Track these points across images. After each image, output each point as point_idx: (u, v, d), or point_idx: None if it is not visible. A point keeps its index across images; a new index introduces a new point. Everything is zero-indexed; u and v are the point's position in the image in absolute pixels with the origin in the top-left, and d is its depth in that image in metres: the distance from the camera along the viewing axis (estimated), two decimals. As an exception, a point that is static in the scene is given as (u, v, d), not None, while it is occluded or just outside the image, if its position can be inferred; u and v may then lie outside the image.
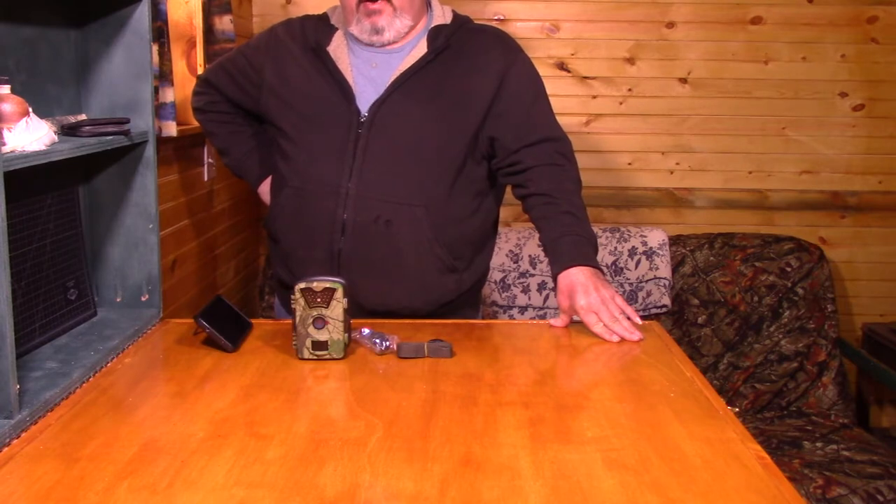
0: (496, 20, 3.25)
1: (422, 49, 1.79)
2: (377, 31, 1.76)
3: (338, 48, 1.81)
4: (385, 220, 1.73)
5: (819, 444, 2.67)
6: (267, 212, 1.94)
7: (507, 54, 1.82)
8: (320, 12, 1.92)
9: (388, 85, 1.76)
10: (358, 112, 1.76)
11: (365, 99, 1.77)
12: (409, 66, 1.77)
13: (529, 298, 3.11)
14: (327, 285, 1.48)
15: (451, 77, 1.78)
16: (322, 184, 1.76)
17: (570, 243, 1.72)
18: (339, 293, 1.48)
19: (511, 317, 3.10)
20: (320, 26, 1.85)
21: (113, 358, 1.51)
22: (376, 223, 1.73)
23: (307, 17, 1.91)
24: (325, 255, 1.76)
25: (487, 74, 1.78)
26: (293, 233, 1.81)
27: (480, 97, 1.77)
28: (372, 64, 1.80)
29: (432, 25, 1.82)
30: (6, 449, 1.16)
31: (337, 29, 1.84)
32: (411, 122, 1.76)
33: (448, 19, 1.84)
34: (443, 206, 1.76)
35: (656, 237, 3.14)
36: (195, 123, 2.16)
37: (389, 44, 1.79)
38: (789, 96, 3.29)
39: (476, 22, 1.89)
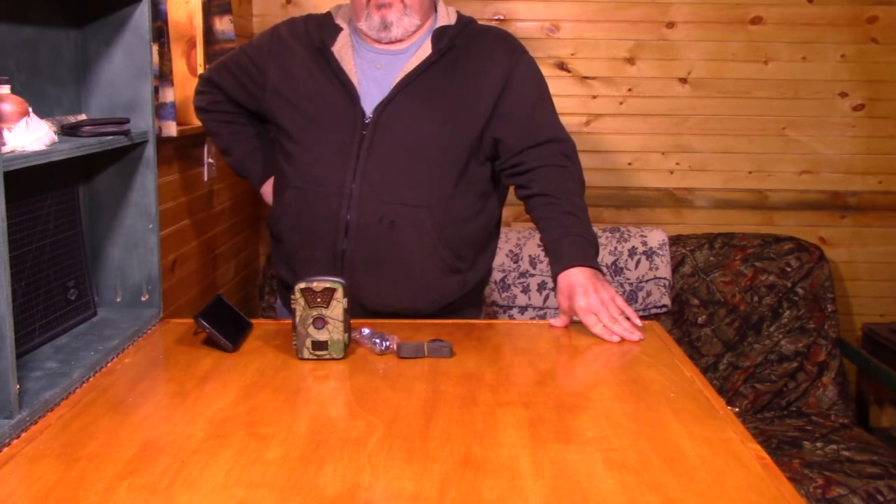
0: (496, 20, 3.25)
1: (426, 50, 1.78)
2: (386, 25, 1.76)
3: (342, 48, 1.81)
4: (389, 221, 1.73)
5: (819, 444, 2.67)
6: (269, 212, 1.94)
7: (511, 55, 1.82)
8: (321, 12, 1.92)
9: (392, 86, 1.76)
10: (363, 113, 1.76)
11: (370, 100, 1.76)
12: (413, 67, 1.77)
13: (529, 298, 3.11)
14: (327, 285, 1.48)
15: (456, 78, 1.78)
16: (326, 184, 1.75)
17: (570, 244, 1.72)
18: (339, 293, 1.48)
19: (511, 317, 3.10)
20: (324, 26, 1.85)
21: (113, 358, 1.51)
22: (380, 224, 1.73)
23: (310, 17, 1.90)
24: (329, 255, 1.76)
25: (492, 75, 1.78)
26: (297, 233, 1.81)
27: (485, 98, 1.77)
28: (376, 65, 1.80)
29: (437, 26, 1.82)
30: (6, 449, 1.16)
31: (342, 29, 1.84)
32: (416, 124, 1.75)
33: (452, 20, 1.84)
34: (446, 206, 1.76)
35: (656, 237, 3.14)
36: (195, 123, 2.16)
37: (396, 41, 1.79)
38: (789, 96, 3.29)
39: (479, 23, 1.89)
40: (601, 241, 3.06)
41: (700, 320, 3.12)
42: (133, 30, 1.67)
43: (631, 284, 3.09)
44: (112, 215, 1.72)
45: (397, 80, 1.76)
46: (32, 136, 1.31)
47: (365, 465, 1.10)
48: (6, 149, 1.26)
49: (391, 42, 1.79)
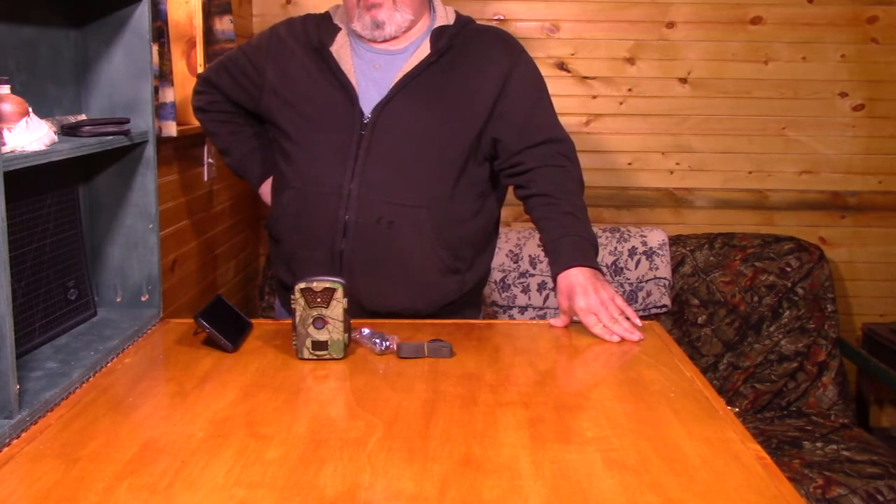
0: (496, 20, 3.25)
1: (425, 50, 1.78)
2: (378, 25, 1.76)
3: (341, 49, 1.81)
4: (387, 222, 1.73)
5: (819, 444, 2.67)
6: (268, 212, 1.94)
7: (510, 55, 1.82)
8: (320, 12, 1.92)
9: (391, 87, 1.76)
10: (361, 113, 1.76)
11: (368, 100, 1.76)
12: (412, 67, 1.76)
13: (529, 298, 3.11)
14: (327, 285, 1.48)
15: (454, 78, 1.77)
16: (324, 185, 1.75)
17: (569, 244, 1.72)
18: (339, 293, 1.48)
19: (511, 317, 3.10)
20: (322, 26, 1.85)
21: (113, 358, 1.51)
22: (378, 224, 1.73)
23: (308, 17, 1.90)
24: (327, 256, 1.76)
25: (490, 76, 1.78)
26: (295, 234, 1.81)
27: (483, 98, 1.77)
28: (375, 65, 1.80)
29: (435, 26, 1.82)
30: (6, 449, 1.16)
31: (340, 29, 1.83)
32: (414, 124, 1.75)
33: (451, 20, 1.83)
34: (445, 207, 1.76)
35: (656, 237, 3.14)
36: (195, 123, 2.16)
37: (391, 39, 1.78)
38: (789, 96, 3.29)
39: (478, 22, 1.89)
40: (601, 241, 3.06)
41: (700, 320, 3.12)
42: (133, 30, 1.67)
43: (631, 284, 3.09)
44: (112, 215, 1.72)
45: (396, 80, 1.76)
46: (32, 136, 1.31)
47: (365, 465, 1.10)
48: (6, 149, 1.26)
49: (386, 41, 1.79)
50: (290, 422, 1.24)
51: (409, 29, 1.79)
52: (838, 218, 3.37)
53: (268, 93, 1.85)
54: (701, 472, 1.10)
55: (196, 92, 2.04)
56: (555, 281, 1.72)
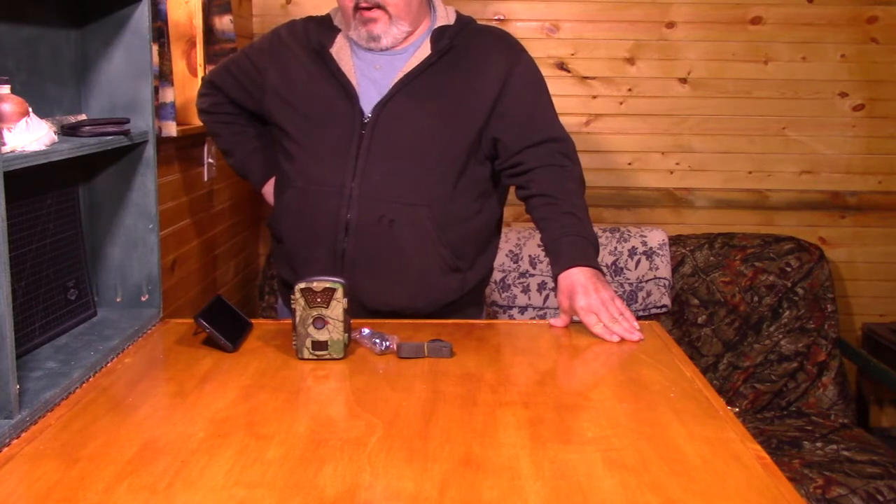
0: (496, 20, 3.25)
1: (425, 50, 1.79)
2: (374, 38, 1.76)
3: (340, 50, 1.81)
4: (388, 220, 1.73)
5: (819, 444, 2.67)
6: (270, 212, 1.95)
7: (510, 55, 1.82)
8: (320, 13, 1.93)
9: (391, 86, 1.76)
10: (361, 113, 1.76)
11: (368, 100, 1.77)
12: (412, 67, 1.77)
13: (529, 298, 3.11)
14: (327, 285, 1.48)
15: (454, 78, 1.78)
16: (326, 184, 1.76)
17: (570, 244, 1.72)
18: (339, 293, 1.48)
19: (511, 317, 3.10)
20: (323, 28, 1.86)
21: (113, 358, 1.51)
22: (379, 223, 1.73)
23: (310, 19, 1.91)
24: (329, 254, 1.76)
25: (490, 75, 1.78)
26: (297, 233, 1.82)
27: (483, 98, 1.77)
28: (375, 66, 1.80)
29: (436, 27, 1.82)
30: (6, 449, 1.16)
31: (339, 30, 1.84)
32: (414, 123, 1.76)
33: (451, 20, 1.84)
34: (446, 205, 1.76)
35: (656, 237, 3.14)
36: (195, 123, 2.16)
37: (388, 49, 1.79)
38: (789, 96, 3.29)
39: (479, 22, 1.89)
40: (601, 241, 3.06)
41: (700, 320, 3.12)
42: (133, 30, 1.67)
43: (631, 284, 3.09)
44: (112, 215, 1.72)
45: (396, 80, 1.76)
46: (32, 136, 1.31)
47: (365, 465, 1.10)
48: (6, 149, 1.26)
49: (383, 50, 1.79)
50: (290, 422, 1.24)
51: (406, 36, 1.79)
52: (838, 218, 3.37)
53: (270, 94, 1.86)
54: (701, 472, 1.10)
55: (200, 94, 2.05)
56: (556, 281, 1.72)
